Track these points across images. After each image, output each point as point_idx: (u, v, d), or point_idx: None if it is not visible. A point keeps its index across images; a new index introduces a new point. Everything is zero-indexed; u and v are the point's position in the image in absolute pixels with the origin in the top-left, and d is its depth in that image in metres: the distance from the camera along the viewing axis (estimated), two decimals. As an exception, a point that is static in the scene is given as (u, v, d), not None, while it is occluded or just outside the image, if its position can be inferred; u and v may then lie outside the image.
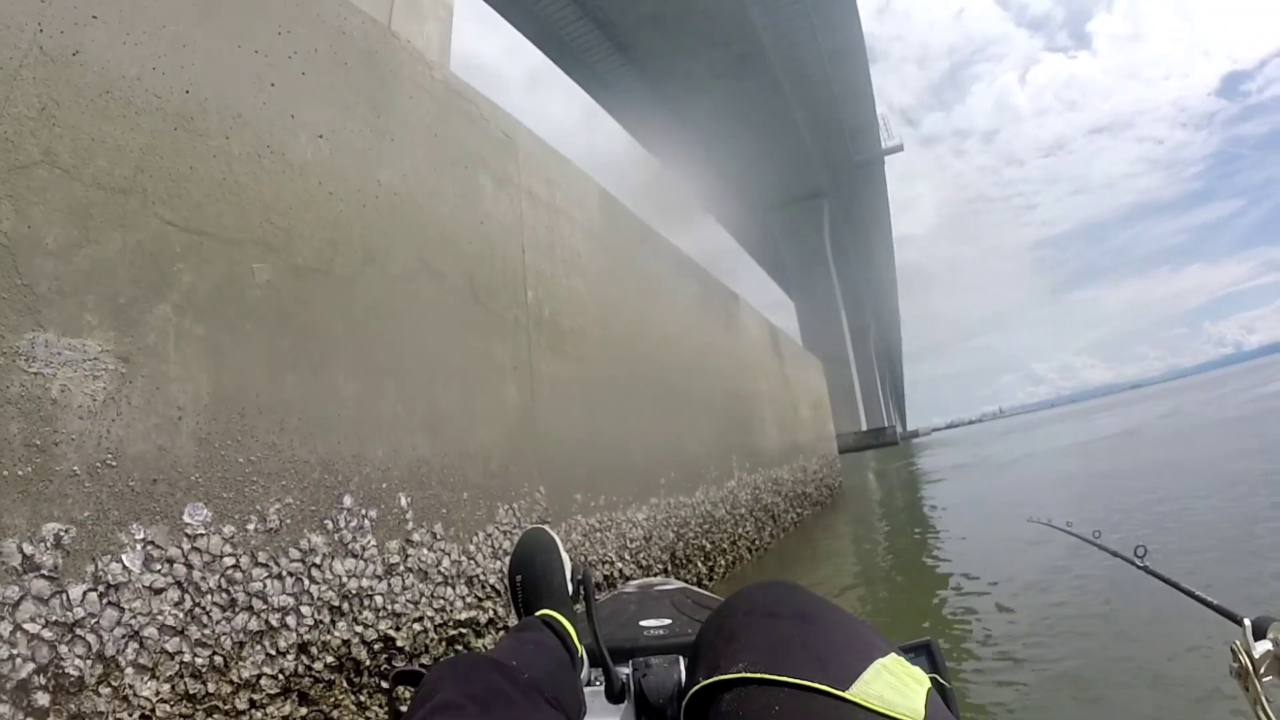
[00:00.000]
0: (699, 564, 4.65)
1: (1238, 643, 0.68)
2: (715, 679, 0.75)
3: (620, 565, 3.50)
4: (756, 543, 6.25)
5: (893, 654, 0.73)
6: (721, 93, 34.16)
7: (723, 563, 5.17)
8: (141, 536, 1.41)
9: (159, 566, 1.43)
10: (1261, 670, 0.66)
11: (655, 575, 3.65)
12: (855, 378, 42.78)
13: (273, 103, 1.97)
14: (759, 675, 0.70)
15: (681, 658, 1.24)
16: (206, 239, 1.68)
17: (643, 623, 1.73)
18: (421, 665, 1.80)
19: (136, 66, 1.62)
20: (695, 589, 2.10)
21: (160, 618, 1.41)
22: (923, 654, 1.16)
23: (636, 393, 4.47)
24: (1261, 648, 0.66)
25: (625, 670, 1.28)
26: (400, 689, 1.26)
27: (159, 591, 1.42)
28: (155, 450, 1.48)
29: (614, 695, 1.24)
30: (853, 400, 40.32)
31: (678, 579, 2.60)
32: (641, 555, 3.82)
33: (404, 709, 1.20)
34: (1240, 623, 0.71)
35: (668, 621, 1.69)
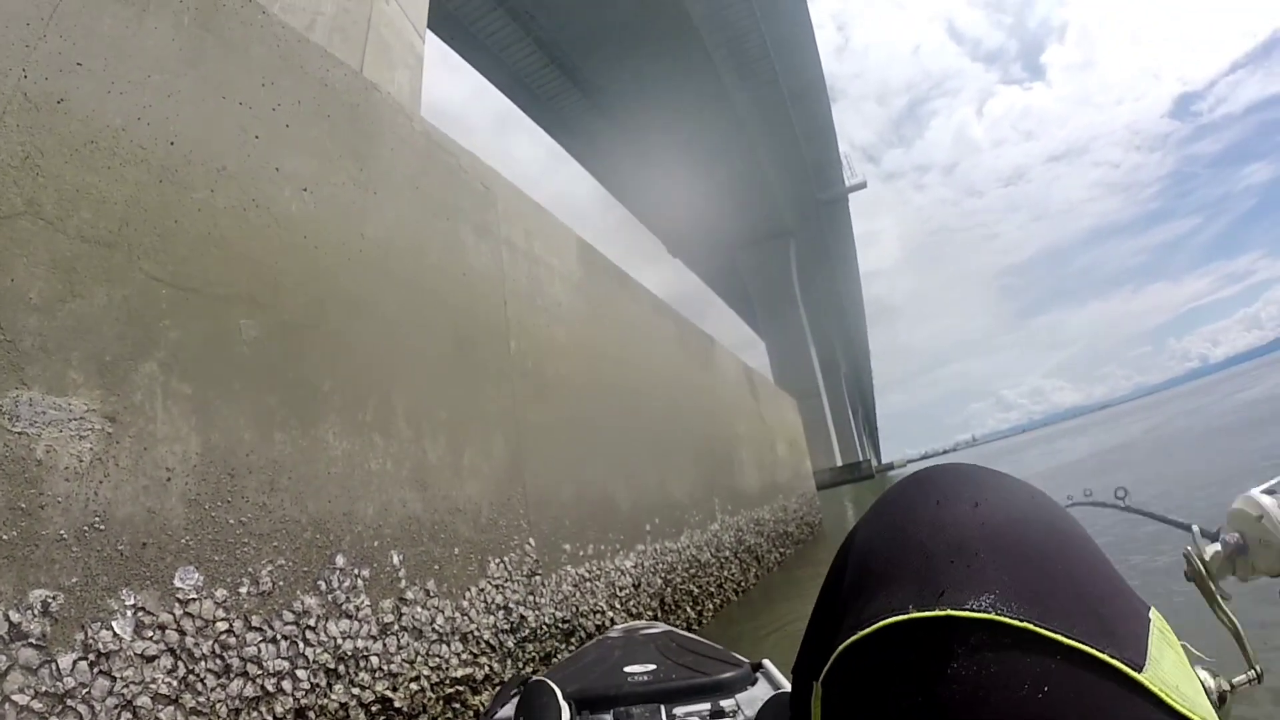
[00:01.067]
0: (688, 608, 4.58)
1: (1189, 548, 0.69)
2: (935, 614, 0.44)
3: (611, 614, 3.43)
4: (742, 584, 6.19)
5: (1153, 609, 0.47)
6: (686, 134, 34.64)
7: (710, 606, 5.09)
8: (132, 602, 1.35)
9: (151, 633, 1.37)
10: (1215, 571, 0.67)
11: (641, 619, 3.58)
12: (828, 413, 42.91)
13: (257, 155, 1.95)
14: (1018, 623, 0.42)
15: (663, 706, 1.23)
16: (193, 294, 1.65)
17: (627, 669, 1.67)
18: (445, 705, 1.74)
19: (121, 116, 1.59)
20: (680, 632, 2.06)
21: (153, 686, 1.34)
22: None
23: (620, 438, 4.44)
24: (1211, 549, 0.68)
25: (608, 718, 1.26)
26: None
27: (151, 659, 1.35)
28: (144, 513, 1.42)
29: None
30: (827, 436, 40.37)
31: (666, 624, 2.56)
32: (632, 603, 3.75)
33: None
34: (1189, 529, 0.72)
35: (652, 667, 1.65)
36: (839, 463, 42.50)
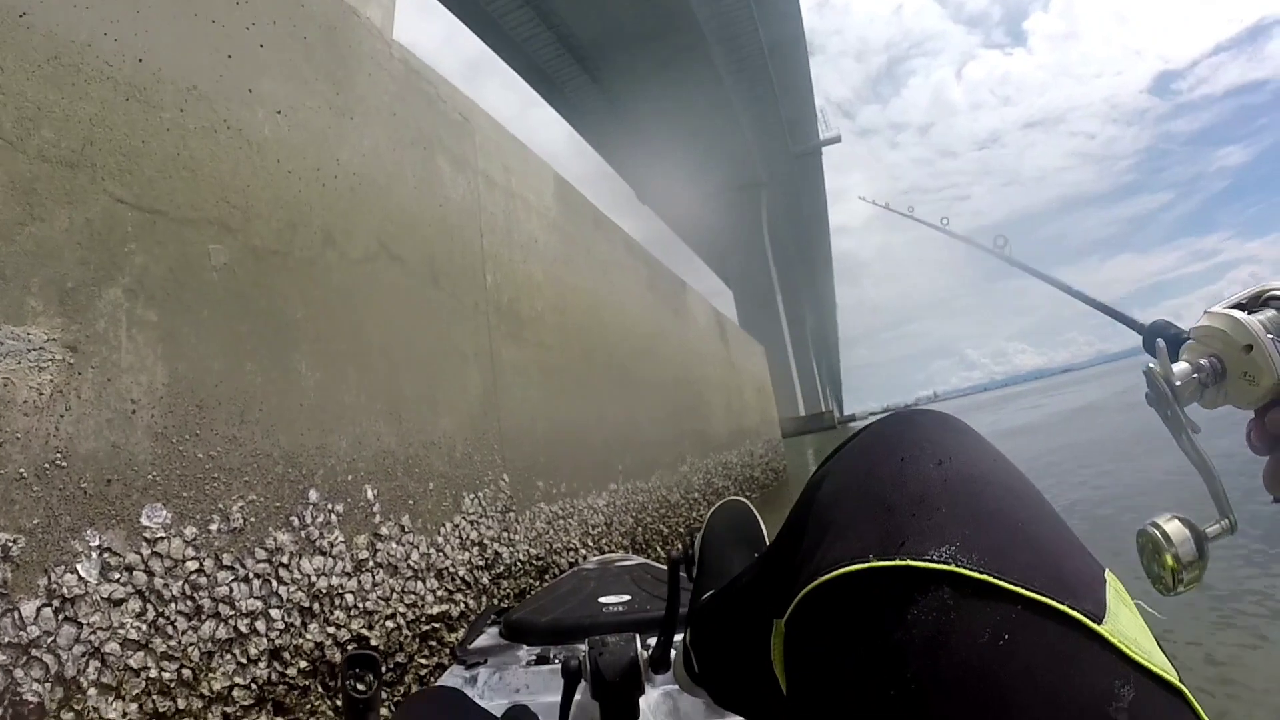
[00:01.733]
0: (659, 548, 4.61)
1: (1153, 366, 0.57)
2: (895, 563, 0.44)
3: (584, 552, 3.43)
4: (710, 526, 6.23)
5: (1108, 570, 0.47)
6: (663, 84, 33.97)
7: (680, 546, 5.12)
8: (97, 543, 1.28)
9: (118, 575, 1.30)
10: (1184, 396, 0.56)
11: (614, 552, 3.59)
12: (793, 364, 43.21)
13: (230, 76, 1.82)
14: (978, 575, 0.43)
15: (639, 635, 1.19)
16: (160, 218, 1.54)
17: (602, 599, 1.70)
18: (372, 648, 1.72)
19: (87, 31, 1.46)
20: (656, 564, 2.06)
21: (122, 632, 1.28)
22: None
23: (593, 378, 4.39)
24: (1180, 369, 0.57)
25: (583, 648, 1.22)
26: (354, 672, 1.18)
27: (119, 603, 1.29)
28: (109, 448, 1.34)
29: (570, 674, 1.18)
30: (791, 386, 40.69)
31: (637, 555, 2.56)
32: (604, 541, 3.75)
33: (360, 690, 1.13)
34: (1158, 340, 0.60)
35: (627, 598, 1.68)
36: (802, 412, 43.01)
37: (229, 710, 1.45)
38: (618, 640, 1.19)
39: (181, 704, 1.36)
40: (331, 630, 1.74)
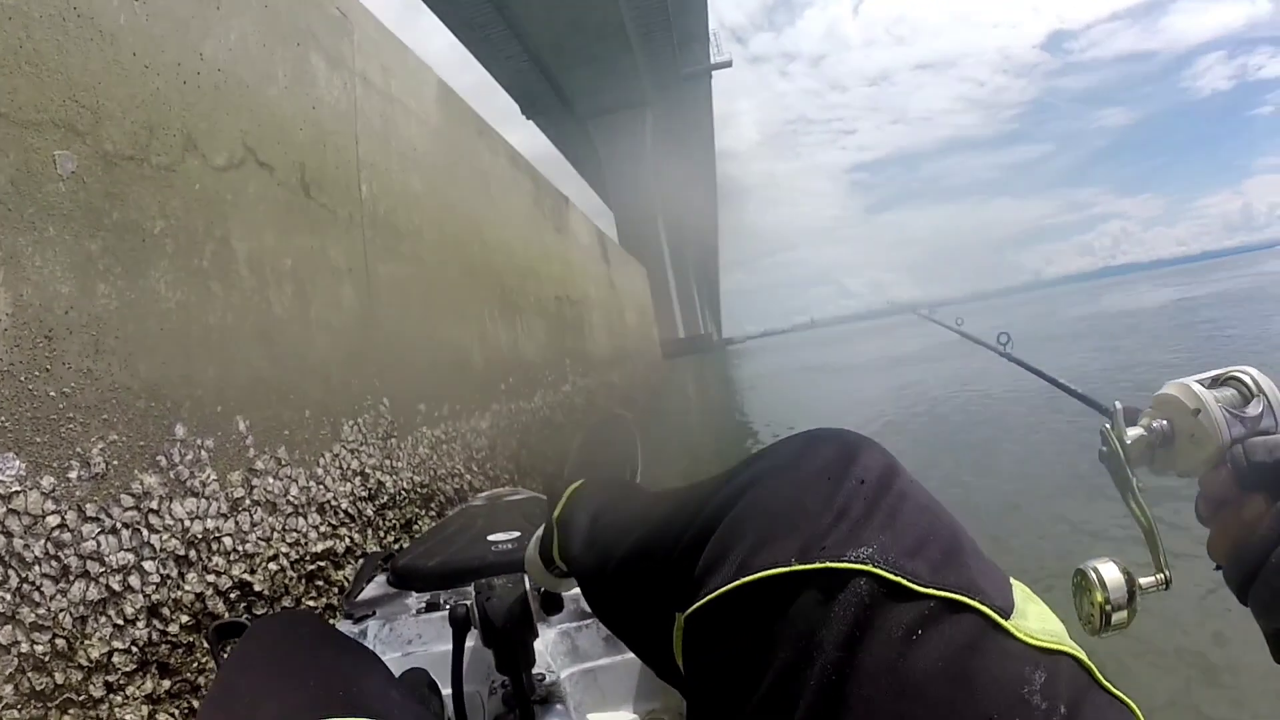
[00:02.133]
0: (542, 470, 4.61)
1: (1108, 426, 0.64)
2: (818, 565, 0.48)
3: (469, 477, 3.38)
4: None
5: (1011, 578, 0.52)
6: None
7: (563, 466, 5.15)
8: None
9: None
10: (1133, 457, 0.62)
11: (504, 486, 3.57)
12: (672, 286, 43.42)
13: (78, -45, 1.57)
14: (893, 576, 0.47)
15: (527, 574, 1.16)
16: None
17: (491, 537, 1.64)
18: (241, 617, 1.65)
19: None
20: (545, 497, 2.04)
21: None
22: None
23: (474, 296, 4.27)
24: (1134, 433, 0.62)
25: (470, 592, 1.18)
26: (224, 644, 1.13)
27: None
28: (-54, 388, 1.17)
29: (458, 622, 1.14)
30: (670, 308, 40.99)
31: (527, 489, 2.54)
32: (489, 465, 3.70)
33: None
34: (1109, 411, 0.65)
35: (516, 534, 1.62)
36: (682, 334, 43.56)
37: (111, 679, 1.33)
38: (505, 582, 1.16)
39: (59, 678, 1.23)
40: (211, 579, 1.63)
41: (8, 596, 1.18)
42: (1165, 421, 0.61)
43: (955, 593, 0.46)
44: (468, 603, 1.16)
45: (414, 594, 1.57)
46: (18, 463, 1.26)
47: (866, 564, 0.47)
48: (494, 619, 1.10)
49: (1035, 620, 0.47)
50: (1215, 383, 0.60)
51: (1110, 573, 0.57)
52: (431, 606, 1.50)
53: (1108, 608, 0.56)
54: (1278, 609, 0.51)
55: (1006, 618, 0.46)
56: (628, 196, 42.56)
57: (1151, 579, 0.59)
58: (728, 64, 44.16)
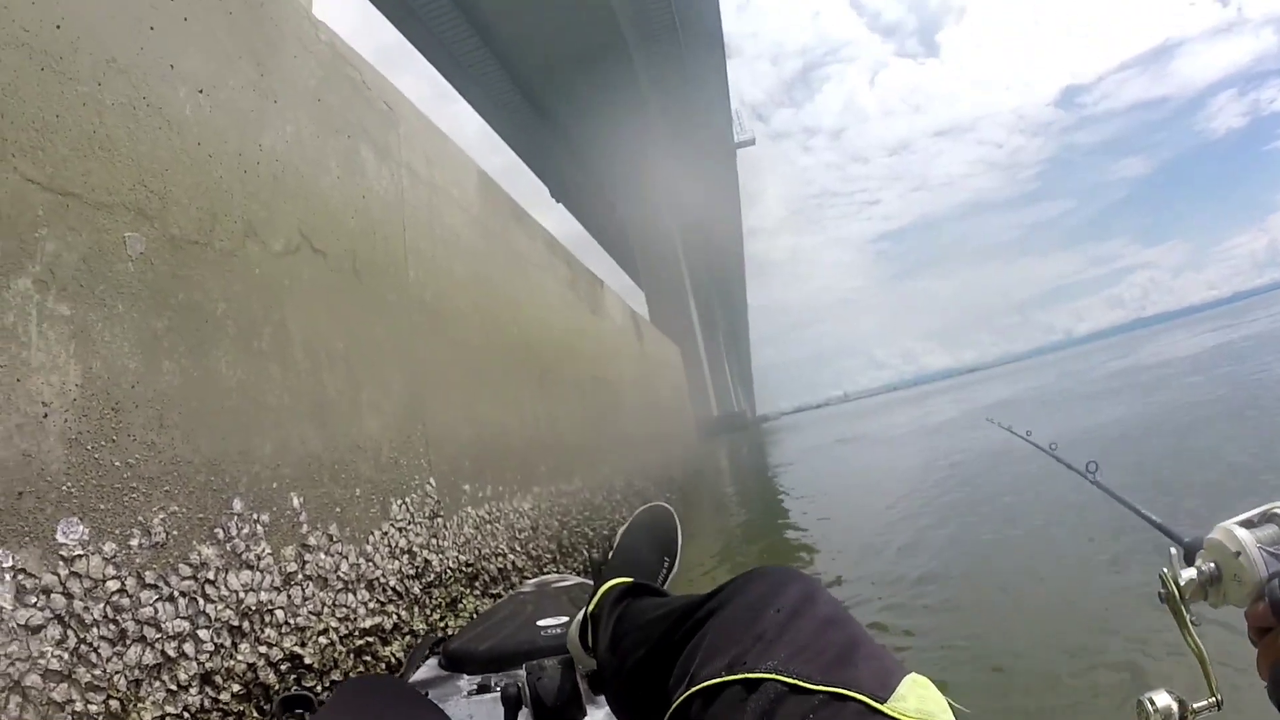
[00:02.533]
0: (584, 551, 4.56)
1: (1165, 571, 0.71)
2: (739, 676, 0.67)
3: (512, 557, 3.35)
4: (631, 527, 6.22)
5: (914, 673, 0.66)
6: (578, 80, 33.64)
7: (604, 549, 5.09)
8: (10, 564, 1.15)
9: (34, 599, 1.17)
10: (1188, 596, 0.69)
11: (550, 571, 3.54)
12: (705, 364, 43.46)
13: (151, 49, 1.68)
14: (791, 680, 0.63)
15: None
16: (73, 201, 1.40)
17: (540, 622, 1.68)
18: (308, 688, 1.65)
19: (3, -9, 1.32)
20: (591, 583, 2.03)
21: (42, 662, 1.14)
22: None
23: (514, 377, 4.32)
24: (1187, 575, 0.69)
25: (522, 674, 1.23)
26: (290, 714, 1.15)
27: (37, 630, 1.15)
28: (19, 456, 1.21)
29: (509, 702, 1.18)
30: (704, 386, 40.98)
31: (569, 569, 2.52)
32: (531, 546, 3.68)
33: None
34: (1171, 548, 0.74)
35: (565, 619, 1.66)
36: (715, 412, 43.42)
37: (162, 744, 1.33)
38: (555, 664, 1.22)
39: (112, 740, 1.24)
40: (263, 650, 1.63)
41: (65, 656, 1.19)
42: (1214, 564, 0.68)
43: (840, 687, 0.61)
44: (519, 683, 1.21)
45: (465, 676, 1.60)
46: (81, 528, 1.29)
47: (772, 673, 0.65)
48: (545, 698, 1.16)
49: (914, 701, 0.60)
50: (1262, 519, 0.66)
51: (1162, 700, 0.66)
52: (483, 689, 1.52)
53: None
54: None
55: (882, 702, 0.59)
56: (657, 275, 43.07)
57: (1204, 702, 0.67)
58: (751, 142, 45.19)
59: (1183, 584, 0.69)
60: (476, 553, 3.01)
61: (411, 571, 2.42)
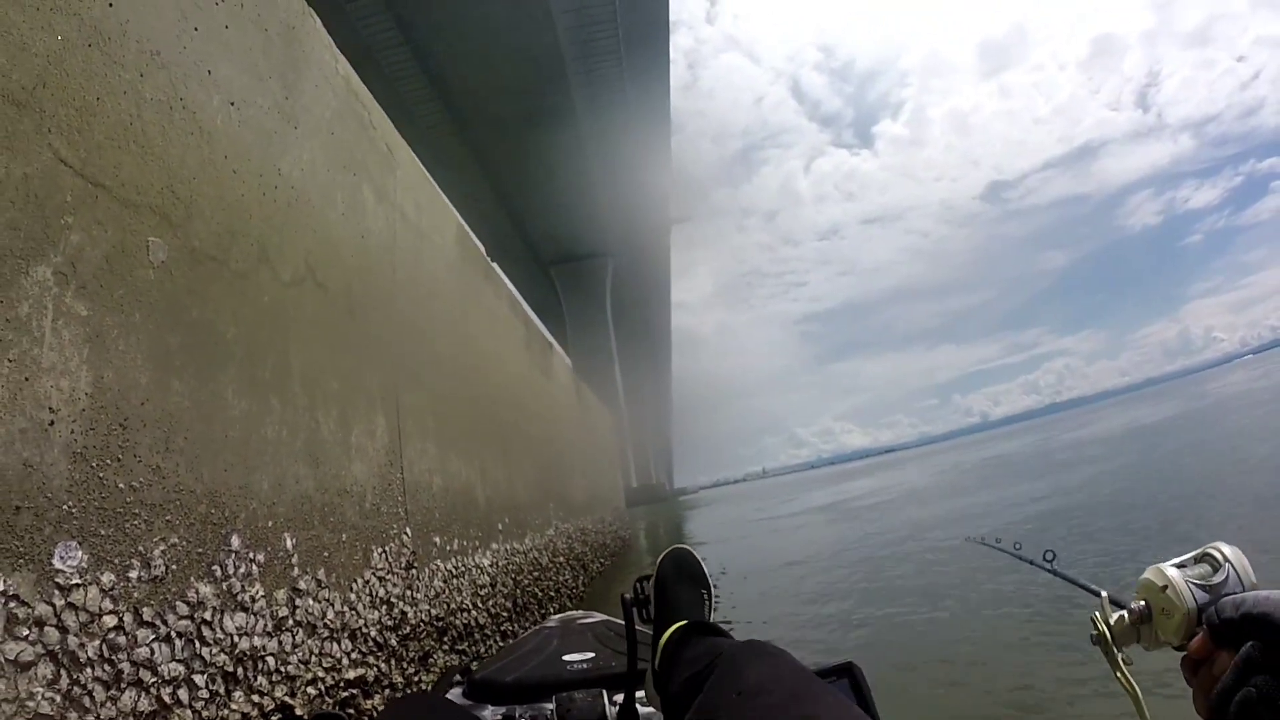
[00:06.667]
0: (535, 611, 4.31)
1: (1097, 613, 0.70)
2: None
3: (475, 614, 3.11)
4: (574, 590, 5.97)
5: None
6: (526, 139, 33.65)
7: (553, 609, 4.83)
8: (2, 588, 0.93)
9: (26, 631, 0.95)
10: (1119, 637, 0.68)
11: (574, 610, 3.34)
12: (628, 434, 43.35)
13: (193, 49, 1.53)
14: None
15: (605, 690, 1.20)
16: (102, 193, 1.22)
17: (565, 656, 1.62)
18: (340, 709, 1.49)
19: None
20: (616, 620, 1.97)
21: (31, 704, 0.92)
22: (844, 677, 1.07)
23: (479, 431, 4.13)
24: (1116, 615, 0.68)
25: (549, 706, 1.21)
26: None
27: (27, 667, 0.94)
28: (20, 466, 1.00)
29: None
30: (624, 457, 40.75)
31: (522, 628, 2.35)
32: (490, 603, 3.44)
33: None
34: (1098, 594, 0.73)
35: (590, 655, 1.62)
36: (634, 484, 42.98)
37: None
38: (584, 696, 1.21)
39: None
40: (256, 700, 1.40)
41: (56, 699, 0.98)
42: (1144, 601, 0.66)
43: None
44: (547, 714, 1.21)
45: (490, 706, 1.48)
46: (80, 554, 1.07)
47: None
48: None
49: None
50: (1194, 561, 0.64)
51: None
52: (508, 719, 1.38)
53: None
54: None
55: None
56: (585, 342, 42.93)
57: None
58: (688, 217, 46.16)
59: (1112, 622, 0.68)
60: (445, 606, 2.77)
61: (390, 623, 2.19)
